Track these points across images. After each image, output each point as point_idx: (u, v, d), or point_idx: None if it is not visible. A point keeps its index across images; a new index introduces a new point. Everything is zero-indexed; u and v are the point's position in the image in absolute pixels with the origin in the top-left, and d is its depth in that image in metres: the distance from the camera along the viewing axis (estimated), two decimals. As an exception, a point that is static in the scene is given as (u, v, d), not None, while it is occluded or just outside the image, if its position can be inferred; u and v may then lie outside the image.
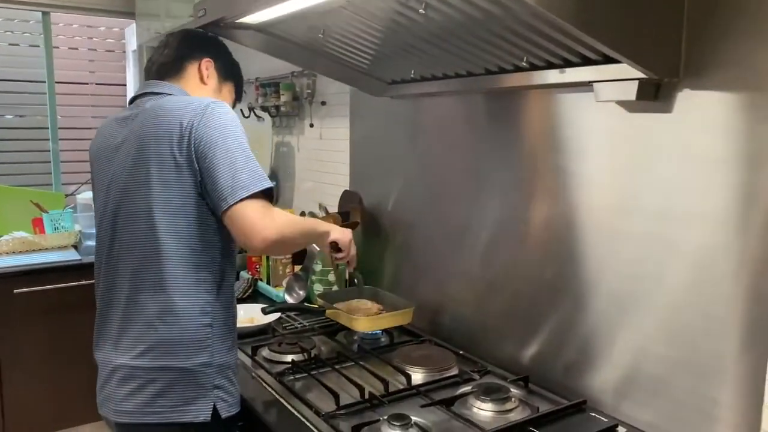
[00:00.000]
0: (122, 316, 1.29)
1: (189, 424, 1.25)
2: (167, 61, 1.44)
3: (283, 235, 1.24)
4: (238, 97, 1.59)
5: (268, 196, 1.26)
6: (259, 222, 1.21)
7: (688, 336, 1.17)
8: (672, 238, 1.19)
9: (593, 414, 1.31)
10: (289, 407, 1.35)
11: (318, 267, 2.08)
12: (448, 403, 1.33)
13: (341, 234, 1.55)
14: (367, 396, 1.36)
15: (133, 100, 1.41)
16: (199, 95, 1.40)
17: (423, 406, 1.33)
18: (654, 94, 1.20)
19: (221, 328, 1.31)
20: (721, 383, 1.12)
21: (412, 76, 1.70)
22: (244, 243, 1.24)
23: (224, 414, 1.28)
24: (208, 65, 1.46)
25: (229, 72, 1.53)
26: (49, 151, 3.50)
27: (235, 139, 1.24)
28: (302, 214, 2.30)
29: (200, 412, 1.26)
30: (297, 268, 2.21)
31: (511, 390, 1.39)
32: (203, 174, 1.23)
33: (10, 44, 3.44)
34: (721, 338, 1.12)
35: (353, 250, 1.60)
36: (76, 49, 3.69)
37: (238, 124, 1.27)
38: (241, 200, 1.20)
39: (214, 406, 1.27)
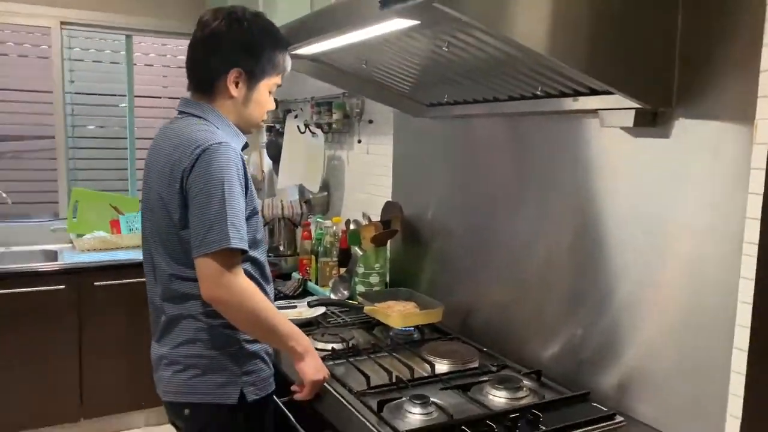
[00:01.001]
0: (162, 319, 1.50)
1: (221, 405, 1.45)
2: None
3: (228, 304, 1.37)
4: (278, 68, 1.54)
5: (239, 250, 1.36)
6: (208, 281, 1.35)
7: (693, 339, 1.28)
8: (673, 248, 1.32)
9: (595, 404, 1.46)
10: (328, 386, 1.55)
11: (360, 270, 2.30)
12: (464, 388, 1.51)
13: (310, 367, 1.50)
14: (394, 380, 1.56)
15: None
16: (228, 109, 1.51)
17: (442, 389, 1.52)
18: (652, 121, 1.35)
19: None
20: (723, 383, 1.22)
21: (446, 99, 1.90)
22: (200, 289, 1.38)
23: (251, 398, 1.47)
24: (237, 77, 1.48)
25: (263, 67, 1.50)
26: (126, 159, 3.86)
27: (218, 188, 1.34)
28: (348, 222, 2.52)
29: (229, 396, 1.45)
30: (342, 270, 2.43)
31: (524, 381, 1.55)
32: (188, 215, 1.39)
33: (93, 61, 3.81)
34: (724, 340, 1.22)
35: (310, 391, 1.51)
36: (152, 65, 4.04)
37: (227, 171, 1.36)
38: (204, 255, 1.34)
39: (242, 390, 1.46)
